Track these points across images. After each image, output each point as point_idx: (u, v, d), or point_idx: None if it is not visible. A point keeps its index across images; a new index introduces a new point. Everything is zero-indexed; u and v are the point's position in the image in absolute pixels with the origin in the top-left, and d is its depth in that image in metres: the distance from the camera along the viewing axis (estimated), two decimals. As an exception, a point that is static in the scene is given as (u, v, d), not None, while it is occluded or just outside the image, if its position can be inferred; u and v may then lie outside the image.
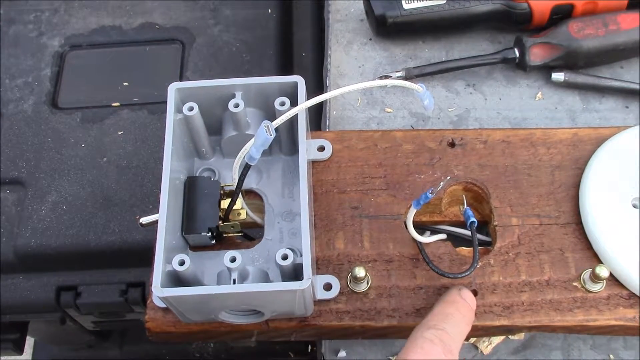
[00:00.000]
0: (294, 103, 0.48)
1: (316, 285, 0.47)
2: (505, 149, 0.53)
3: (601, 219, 0.49)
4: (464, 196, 0.53)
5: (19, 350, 0.77)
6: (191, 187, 0.48)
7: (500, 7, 0.63)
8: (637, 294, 0.47)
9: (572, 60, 0.62)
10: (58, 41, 0.76)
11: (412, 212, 0.46)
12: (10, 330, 0.75)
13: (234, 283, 0.42)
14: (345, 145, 0.54)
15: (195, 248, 0.49)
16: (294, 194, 0.50)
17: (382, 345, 0.53)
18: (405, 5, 0.63)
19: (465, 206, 0.51)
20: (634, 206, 0.50)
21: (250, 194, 0.51)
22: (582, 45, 0.60)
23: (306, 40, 0.78)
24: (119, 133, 0.70)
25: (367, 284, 0.48)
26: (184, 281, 0.43)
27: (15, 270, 0.66)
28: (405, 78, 0.63)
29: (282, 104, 0.48)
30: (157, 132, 0.70)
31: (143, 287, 0.66)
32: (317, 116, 0.65)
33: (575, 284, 0.48)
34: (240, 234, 0.50)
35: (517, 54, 0.62)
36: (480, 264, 0.49)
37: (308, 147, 0.50)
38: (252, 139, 0.43)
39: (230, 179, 0.48)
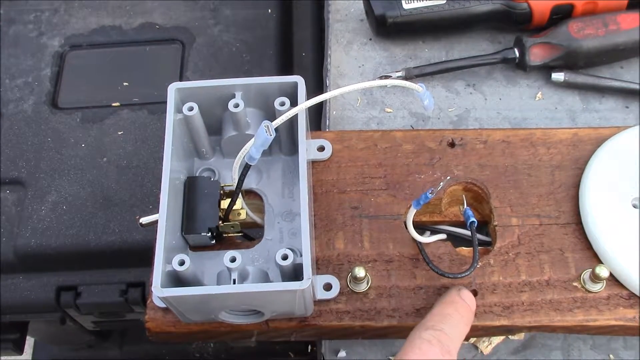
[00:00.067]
0: (294, 103, 0.48)
1: (316, 285, 0.47)
2: (505, 149, 0.53)
3: (601, 219, 0.49)
4: (464, 196, 0.53)
5: (19, 350, 0.77)
6: (191, 187, 0.48)
7: (500, 7, 0.63)
8: (637, 294, 0.47)
9: (572, 60, 0.62)
10: (58, 41, 0.76)
11: (412, 212, 0.46)
12: (10, 330, 0.75)
13: (234, 283, 0.42)
14: (345, 145, 0.54)
15: (195, 248, 0.49)
16: (294, 194, 0.50)
17: (382, 345, 0.53)
18: (405, 5, 0.63)
19: (465, 206, 0.51)
20: (634, 206, 0.50)
21: (250, 194, 0.51)
22: (582, 45, 0.60)
23: (306, 40, 0.78)
24: (119, 133, 0.70)
25: (367, 284, 0.48)
26: (184, 281, 0.43)
27: (15, 270, 0.66)
28: (405, 78, 0.62)
29: (282, 104, 0.48)
30: (157, 132, 0.70)
31: (143, 287, 0.66)
32: (317, 116, 0.65)
33: (575, 284, 0.48)
34: (240, 234, 0.50)
35: (517, 54, 0.62)
36: (480, 264, 0.49)
37: (308, 147, 0.50)
38: (252, 139, 0.43)
39: (230, 179, 0.48)
